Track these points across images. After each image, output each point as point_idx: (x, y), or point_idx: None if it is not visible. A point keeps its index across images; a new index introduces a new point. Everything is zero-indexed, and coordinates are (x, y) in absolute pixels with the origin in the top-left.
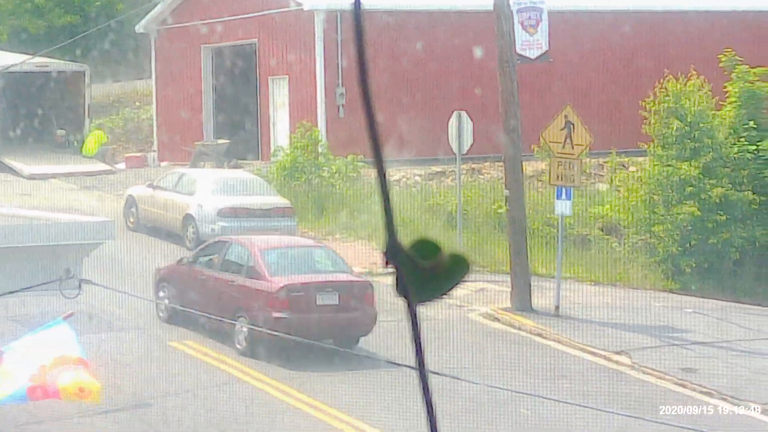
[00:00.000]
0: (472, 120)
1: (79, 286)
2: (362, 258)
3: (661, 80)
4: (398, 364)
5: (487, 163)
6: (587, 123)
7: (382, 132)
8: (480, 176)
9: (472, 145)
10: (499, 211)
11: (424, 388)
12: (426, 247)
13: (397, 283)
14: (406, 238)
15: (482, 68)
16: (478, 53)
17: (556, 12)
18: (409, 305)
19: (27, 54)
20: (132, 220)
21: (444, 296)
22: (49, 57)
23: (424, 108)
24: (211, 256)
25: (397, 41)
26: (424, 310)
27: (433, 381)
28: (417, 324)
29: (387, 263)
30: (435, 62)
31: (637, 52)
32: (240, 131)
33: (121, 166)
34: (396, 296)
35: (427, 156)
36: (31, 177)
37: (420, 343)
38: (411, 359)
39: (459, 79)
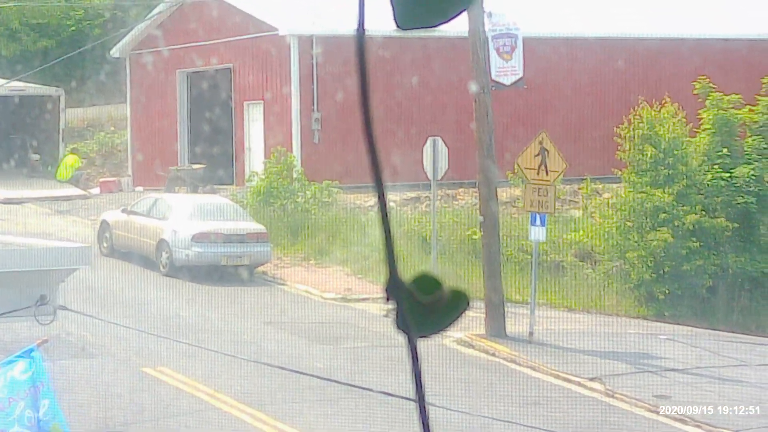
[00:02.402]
0: (447, 146)
1: (54, 313)
2: (337, 284)
3: (636, 107)
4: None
5: (462, 189)
6: (562, 149)
7: (361, 158)
8: (455, 202)
9: (447, 171)
10: (474, 237)
11: (423, 423)
12: (427, 282)
13: (397, 318)
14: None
15: (458, 94)
16: (454, 78)
17: (531, 38)
18: (409, 340)
19: (1, 78)
20: (106, 245)
21: (444, 331)
22: (24, 81)
23: (399, 134)
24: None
25: (376, 66)
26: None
27: (406, 408)
28: (417, 358)
29: (388, 298)
30: (410, 88)
31: (612, 78)
32: (215, 156)
33: (96, 190)
34: (396, 331)
35: (402, 182)
36: (6, 201)
37: (420, 378)
38: (390, 387)
39: (434, 104)
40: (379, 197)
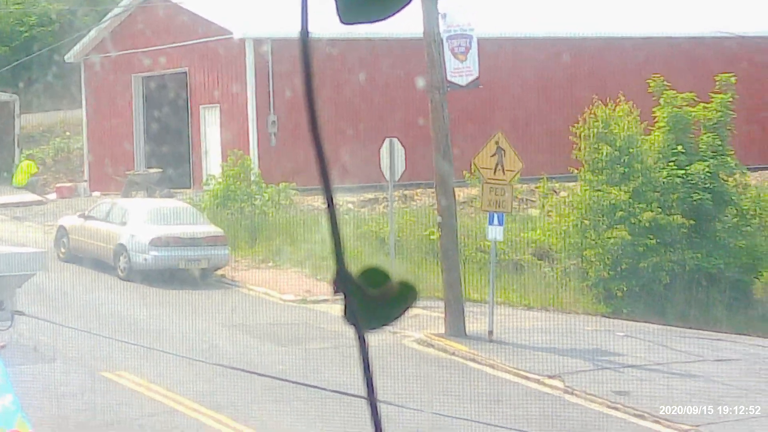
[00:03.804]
0: (404, 147)
1: (12, 318)
2: (295, 285)
3: (590, 106)
4: (345, 393)
5: (420, 190)
6: (519, 149)
7: (313, 159)
8: (412, 203)
9: (404, 172)
10: (432, 237)
11: (374, 417)
12: (374, 275)
13: (345, 311)
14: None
15: (414, 95)
16: (410, 80)
17: (486, 39)
18: (358, 333)
19: None
20: (63, 250)
21: (392, 323)
22: None
23: (356, 135)
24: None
25: (331, 69)
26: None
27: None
28: (366, 351)
29: (336, 291)
30: (368, 89)
31: (567, 78)
32: (171, 160)
33: (52, 196)
34: (345, 324)
35: (359, 183)
36: None
37: (370, 371)
38: (349, 387)
39: (391, 105)
40: (324, 190)
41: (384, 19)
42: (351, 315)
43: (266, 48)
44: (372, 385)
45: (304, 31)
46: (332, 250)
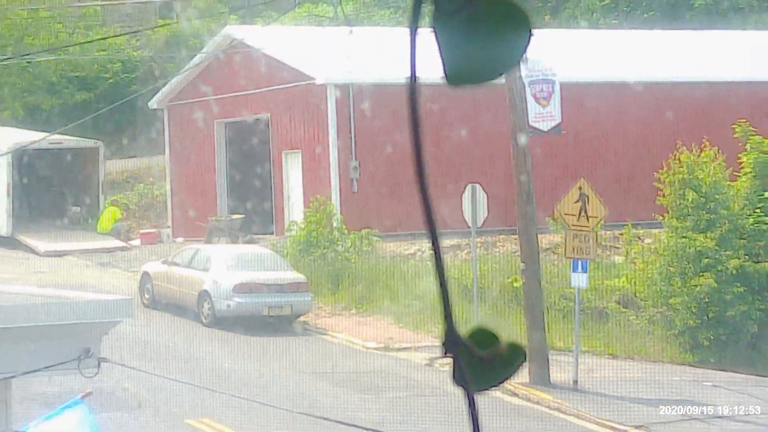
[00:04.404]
0: (486, 193)
1: (98, 365)
2: (378, 333)
3: (675, 151)
4: None
5: (502, 236)
6: (601, 195)
7: (399, 207)
8: (495, 249)
9: (486, 218)
10: (515, 284)
11: None
12: (483, 336)
13: (454, 372)
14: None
15: (497, 140)
16: (492, 125)
17: (568, 84)
18: (467, 394)
19: (41, 132)
20: (147, 296)
21: (501, 384)
22: (63, 134)
23: (437, 180)
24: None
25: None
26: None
27: None
28: (475, 412)
29: (446, 352)
30: (450, 134)
31: (649, 122)
32: (254, 206)
33: (136, 242)
34: (453, 385)
35: (441, 229)
36: (47, 254)
37: (479, 431)
38: None
39: (473, 151)
40: (434, 250)
41: (490, 80)
42: (460, 376)
43: (349, 94)
44: None
45: (413, 77)
46: (441, 310)
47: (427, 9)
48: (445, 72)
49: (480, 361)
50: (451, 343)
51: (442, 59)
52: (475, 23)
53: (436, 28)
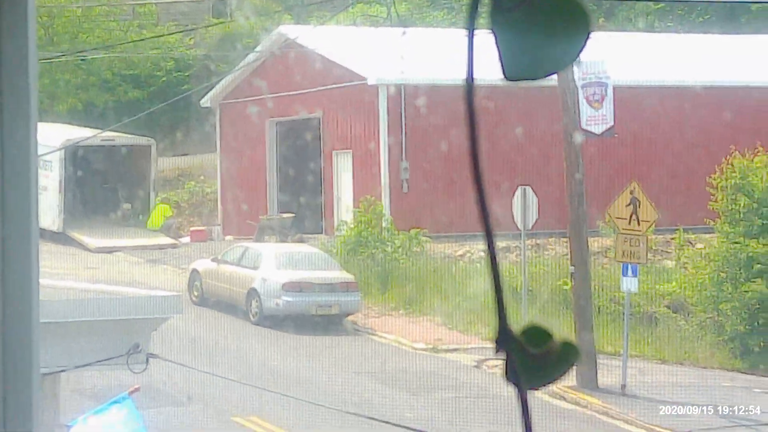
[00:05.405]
0: (537, 195)
1: (147, 361)
2: (427, 333)
3: (728, 156)
4: None
5: (552, 239)
6: (653, 199)
7: (449, 207)
8: (545, 252)
9: (537, 220)
10: (565, 287)
11: None
12: (536, 334)
13: (506, 370)
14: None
15: (550, 142)
16: (544, 128)
17: (621, 86)
18: (519, 392)
19: (94, 128)
20: (196, 294)
21: (554, 382)
22: (116, 131)
23: (489, 181)
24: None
25: (461, 114)
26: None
27: None
28: (527, 410)
29: (498, 349)
30: (503, 134)
31: (704, 126)
32: (304, 205)
33: (186, 239)
34: (506, 382)
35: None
36: (98, 250)
37: (530, 429)
38: None
39: (527, 152)
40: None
41: (548, 76)
42: (512, 374)
43: (400, 94)
44: None
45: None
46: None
47: (484, 8)
48: (502, 67)
49: (533, 359)
50: (504, 340)
51: (500, 55)
52: (533, 19)
53: (493, 24)
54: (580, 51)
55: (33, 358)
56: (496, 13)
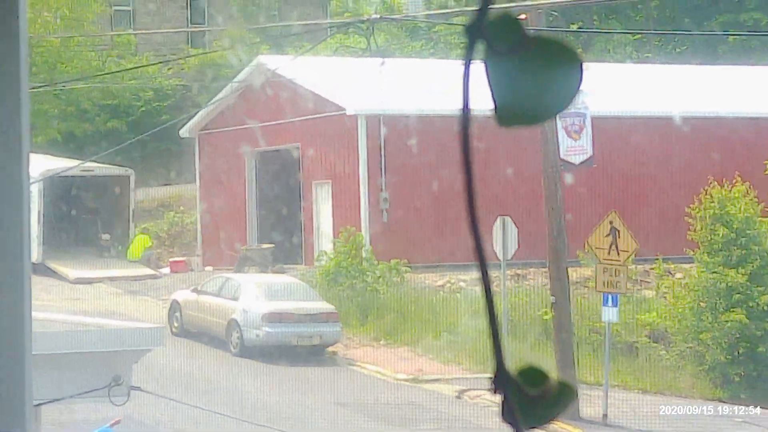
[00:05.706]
0: (517, 226)
1: (128, 393)
2: (408, 364)
3: (706, 186)
4: None
5: (532, 269)
6: (632, 229)
7: (428, 238)
8: (525, 282)
9: (517, 251)
10: (545, 317)
11: None
12: (533, 374)
13: (503, 410)
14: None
15: (530, 173)
16: (523, 158)
17: (599, 117)
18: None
19: (73, 159)
20: (176, 325)
21: (550, 422)
22: (94, 162)
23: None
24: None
25: (443, 145)
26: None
27: None
28: None
29: (495, 390)
30: (483, 166)
31: (682, 156)
32: (284, 236)
33: (166, 270)
34: (503, 422)
35: (472, 261)
36: (77, 281)
37: None
38: None
39: (507, 183)
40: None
41: (541, 123)
42: (509, 414)
43: (379, 125)
44: None
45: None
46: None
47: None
48: (496, 113)
49: (530, 400)
50: (501, 380)
51: (493, 98)
52: (526, 66)
53: (487, 67)
54: (572, 98)
55: (26, 390)
56: (489, 56)
